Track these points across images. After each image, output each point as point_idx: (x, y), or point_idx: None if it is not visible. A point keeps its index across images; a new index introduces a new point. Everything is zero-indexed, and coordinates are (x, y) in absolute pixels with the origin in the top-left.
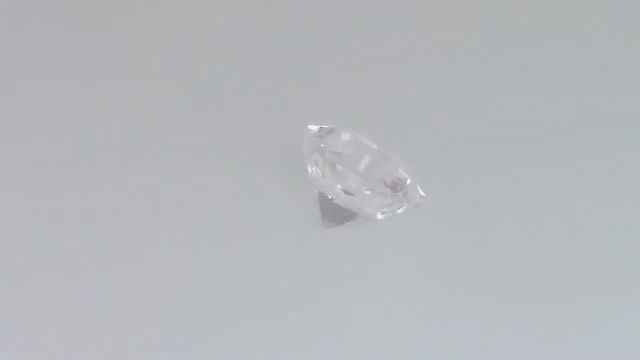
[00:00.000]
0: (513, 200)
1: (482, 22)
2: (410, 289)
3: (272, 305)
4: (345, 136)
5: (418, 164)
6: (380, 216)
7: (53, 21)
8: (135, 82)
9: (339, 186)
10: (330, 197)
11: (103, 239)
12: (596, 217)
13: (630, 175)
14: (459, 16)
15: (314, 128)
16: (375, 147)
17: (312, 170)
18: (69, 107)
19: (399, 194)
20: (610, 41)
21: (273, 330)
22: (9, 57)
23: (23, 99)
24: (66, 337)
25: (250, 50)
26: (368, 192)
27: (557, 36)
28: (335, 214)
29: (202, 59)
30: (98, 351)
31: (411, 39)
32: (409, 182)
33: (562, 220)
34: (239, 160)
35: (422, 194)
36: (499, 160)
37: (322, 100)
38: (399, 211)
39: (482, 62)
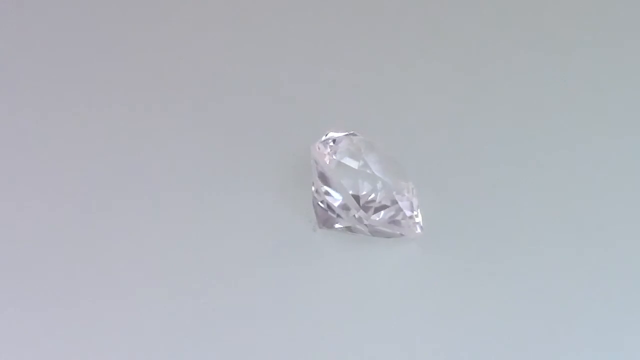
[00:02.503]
0: (515, 223)
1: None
2: (398, 302)
3: (260, 305)
4: (353, 147)
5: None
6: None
7: (57, 24)
8: (137, 84)
9: (335, 199)
10: (326, 206)
11: (104, 241)
12: (607, 243)
13: None
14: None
15: (329, 134)
16: (381, 170)
17: (313, 176)
18: (73, 109)
19: (395, 224)
20: (614, 46)
21: (264, 332)
22: (10, 58)
23: (24, 101)
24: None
25: (257, 54)
26: (361, 212)
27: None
28: (329, 220)
29: (205, 62)
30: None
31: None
32: (404, 212)
33: (569, 245)
34: (242, 160)
35: (419, 230)
36: (502, 184)
37: (335, 108)
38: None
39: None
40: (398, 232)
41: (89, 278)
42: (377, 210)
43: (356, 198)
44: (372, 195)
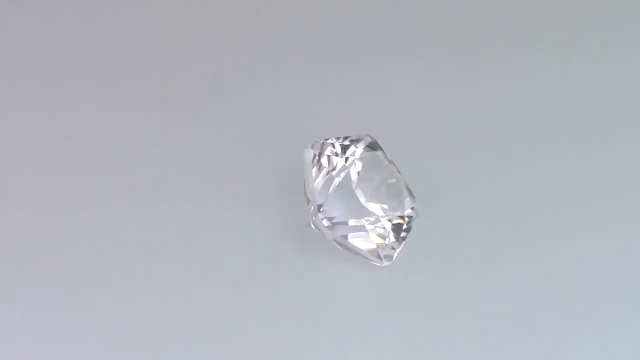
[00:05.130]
0: (518, 234)
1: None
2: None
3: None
4: (356, 169)
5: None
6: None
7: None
8: (133, 85)
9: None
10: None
11: (93, 242)
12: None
13: None
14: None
15: (347, 139)
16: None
17: (307, 182)
18: (68, 109)
19: (365, 244)
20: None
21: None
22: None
23: (23, 101)
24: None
25: (255, 53)
26: (318, 220)
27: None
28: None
29: (202, 62)
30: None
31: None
32: (374, 237)
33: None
34: (240, 159)
35: (385, 262)
36: (502, 187)
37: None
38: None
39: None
40: (363, 255)
41: (74, 281)
42: (337, 224)
43: (320, 208)
44: (336, 208)
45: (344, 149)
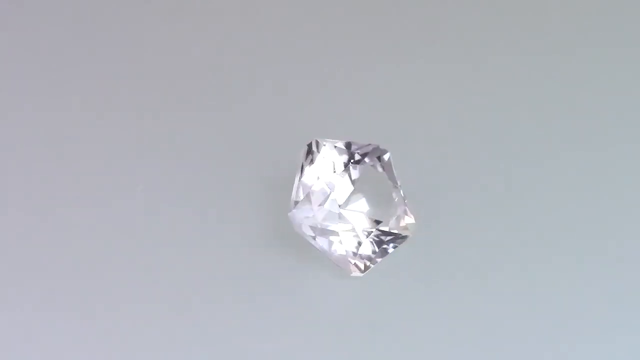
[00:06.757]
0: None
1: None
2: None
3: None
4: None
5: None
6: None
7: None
8: (129, 87)
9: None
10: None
11: (100, 238)
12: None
13: None
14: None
15: (355, 148)
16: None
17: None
18: (69, 111)
19: (335, 247)
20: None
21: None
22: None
23: (23, 102)
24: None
25: (253, 53)
26: (293, 211)
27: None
28: None
29: (200, 61)
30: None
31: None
32: (346, 246)
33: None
34: (238, 159)
35: (355, 272)
36: (502, 189)
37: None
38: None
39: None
40: (332, 260)
41: (73, 281)
42: (311, 224)
43: (295, 204)
44: (315, 209)
45: (349, 155)
